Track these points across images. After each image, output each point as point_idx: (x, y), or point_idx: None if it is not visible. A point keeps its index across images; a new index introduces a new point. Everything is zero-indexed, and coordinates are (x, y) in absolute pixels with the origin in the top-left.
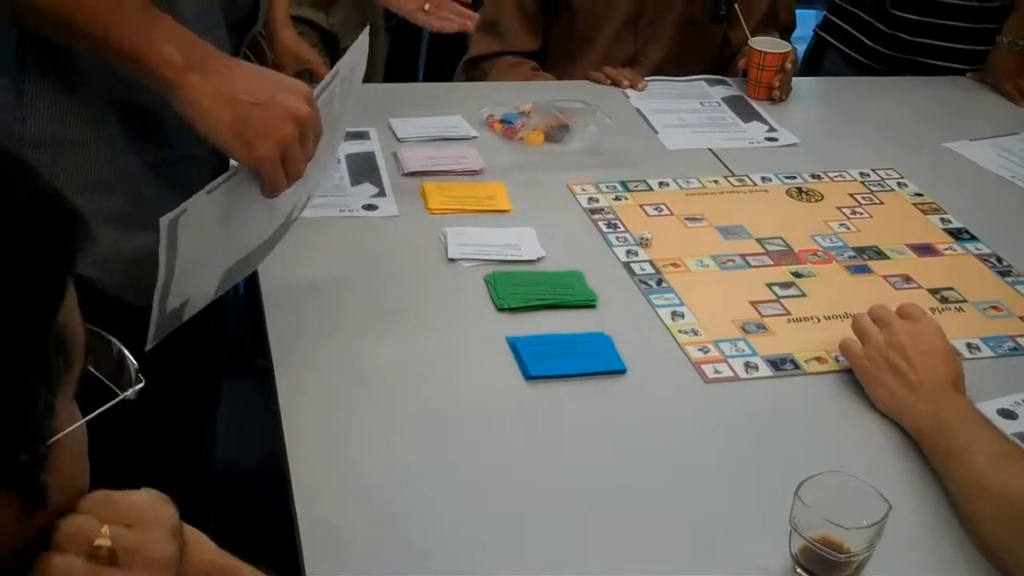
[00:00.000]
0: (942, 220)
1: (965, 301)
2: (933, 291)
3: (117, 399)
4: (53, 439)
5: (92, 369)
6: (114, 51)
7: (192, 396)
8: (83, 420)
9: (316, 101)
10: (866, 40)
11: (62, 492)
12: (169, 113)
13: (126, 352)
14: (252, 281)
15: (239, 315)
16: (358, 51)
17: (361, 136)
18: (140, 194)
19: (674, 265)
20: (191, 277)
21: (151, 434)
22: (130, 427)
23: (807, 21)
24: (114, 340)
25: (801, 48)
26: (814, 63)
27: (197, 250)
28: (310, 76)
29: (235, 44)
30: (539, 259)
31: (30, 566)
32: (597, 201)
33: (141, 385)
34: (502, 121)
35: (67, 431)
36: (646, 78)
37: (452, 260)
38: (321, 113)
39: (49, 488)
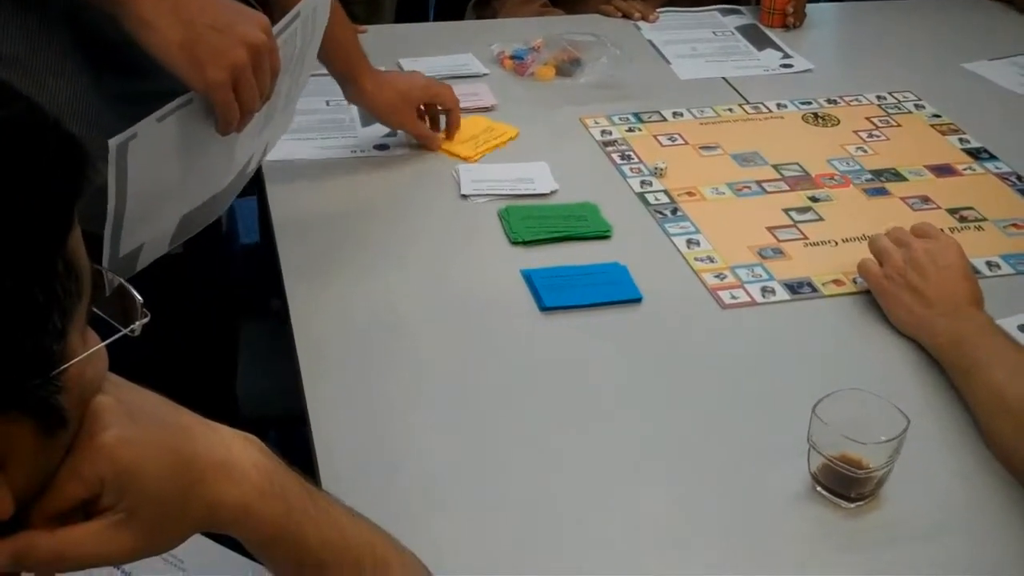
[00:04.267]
0: (960, 140)
1: (985, 220)
2: (952, 211)
3: (123, 332)
4: (67, 365)
5: (95, 309)
6: None
7: (210, 345)
8: (99, 346)
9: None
10: None
11: (80, 416)
12: (137, 44)
13: (128, 286)
14: (265, 223)
15: (253, 258)
16: None
17: None
18: (101, 125)
19: (689, 194)
20: (145, 217)
21: (174, 387)
22: (152, 381)
23: None
24: (115, 276)
25: None
26: None
27: (150, 184)
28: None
29: None
30: (552, 193)
31: None
32: (610, 133)
33: (147, 319)
34: (513, 57)
35: (81, 357)
36: (658, 10)
37: (465, 196)
38: (282, 55)
39: (67, 410)
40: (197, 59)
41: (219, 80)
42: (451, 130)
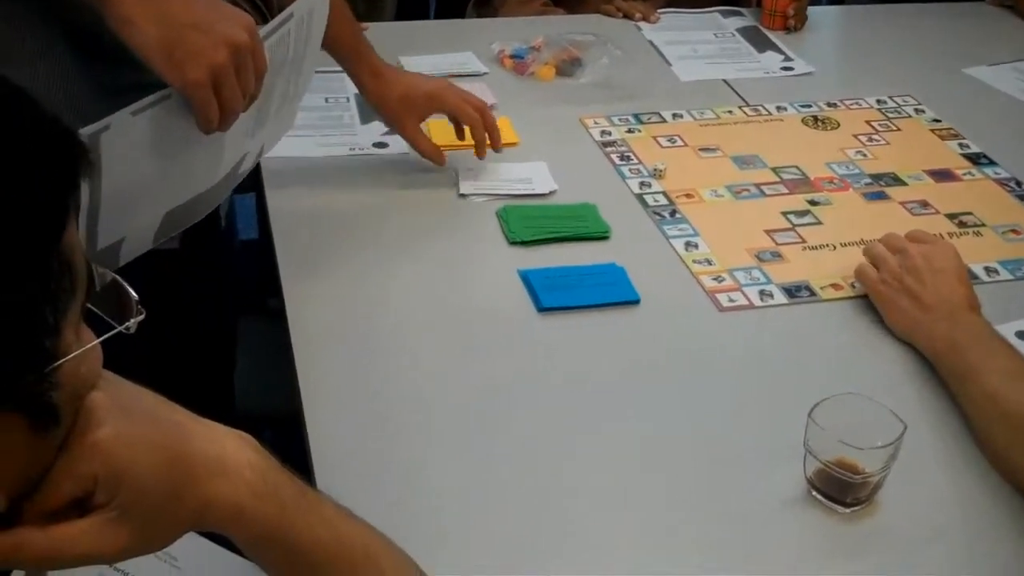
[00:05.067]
0: (960, 145)
1: (983, 225)
2: (951, 216)
3: (118, 329)
4: (60, 361)
5: (91, 306)
6: None
7: (207, 341)
8: (93, 343)
9: (264, 40)
10: None
11: (74, 413)
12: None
13: (123, 283)
14: (263, 221)
15: (250, 256)
16: None
17: None
18: (90, 117)
19: (688, 196)
20: (124, 211)
21: (171, 384)
22: (149, 378)
23: None
24: (110, 272)
25: None
26: None
27: (126, 178)
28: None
29: None
30: (551, 193)
31: None
32: (610, 134)
33: (142, 316)
34: (513, 56)
35: (75, 354)
36: (659, 11)
37: (464, 196)
38: (272, 56)
39: (60, 407)
40: (176, 58)
41: (197, 79)
42: (478, 148)
